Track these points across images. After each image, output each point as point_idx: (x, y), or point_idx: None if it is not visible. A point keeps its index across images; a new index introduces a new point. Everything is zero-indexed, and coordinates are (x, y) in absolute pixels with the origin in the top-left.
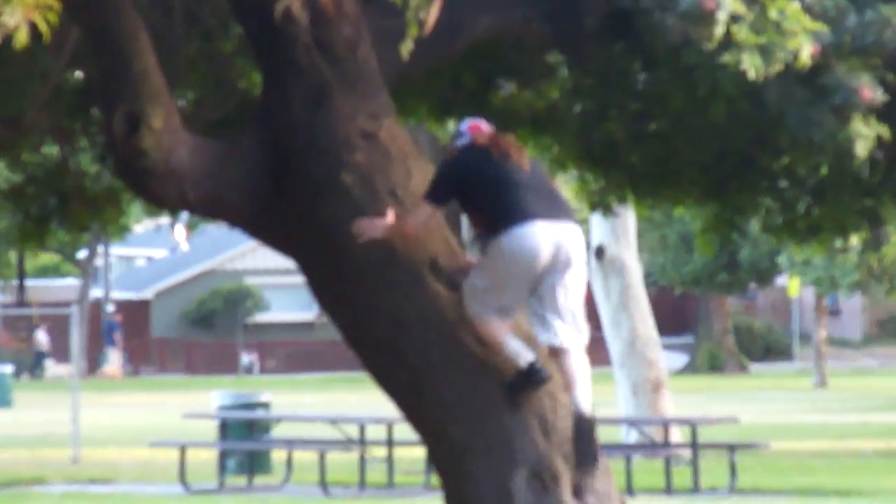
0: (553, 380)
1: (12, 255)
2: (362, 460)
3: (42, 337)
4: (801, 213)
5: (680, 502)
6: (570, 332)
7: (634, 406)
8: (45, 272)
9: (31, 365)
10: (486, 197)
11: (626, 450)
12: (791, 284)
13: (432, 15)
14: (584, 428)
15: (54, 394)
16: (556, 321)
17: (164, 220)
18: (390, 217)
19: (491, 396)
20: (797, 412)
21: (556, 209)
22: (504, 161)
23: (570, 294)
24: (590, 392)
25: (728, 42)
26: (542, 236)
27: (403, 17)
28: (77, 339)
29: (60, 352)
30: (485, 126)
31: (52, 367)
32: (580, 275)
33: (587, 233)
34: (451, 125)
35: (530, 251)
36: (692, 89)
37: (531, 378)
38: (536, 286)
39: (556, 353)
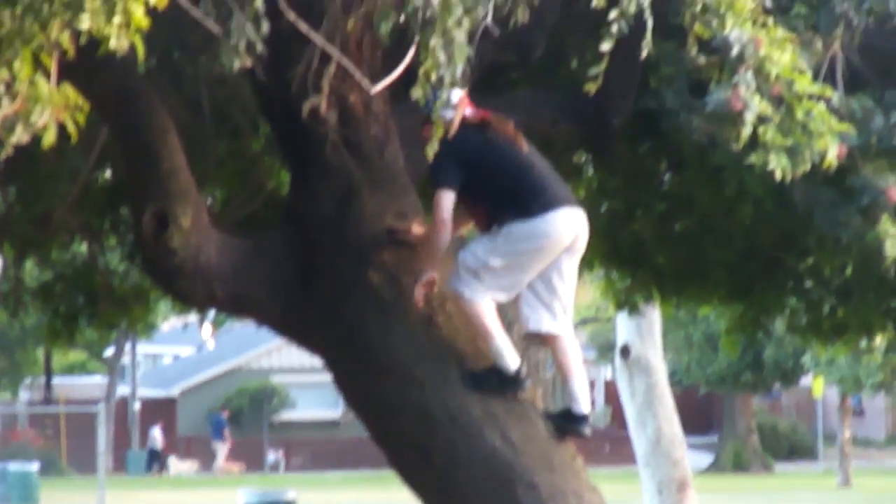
0: (577, 476)
1: (39, 353)
2: None
3: (157, 434)
4: (827, 313)
5: None
6: (566, 320)
7: None
8: (71, 369)
9: (148, 463)
10: (502, 178)
11: None
12: (815, 385)
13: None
14: (575, 421)
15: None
16: (557, 306)
17: (191, 318)
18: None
19: (517, 497)
20: None
21: (571, 195)
22: (508, 142)
23: (570, 280)
24: (586, 385)
25: (755, 143)
26: (569, 222)
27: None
28: (103, 436)
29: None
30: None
31: (175, 465)
32: (577, 261)
33: (613, 331)
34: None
35: (561, 236)
36: (719, 190)
37: (511, 385)
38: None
39: (547, 339)
